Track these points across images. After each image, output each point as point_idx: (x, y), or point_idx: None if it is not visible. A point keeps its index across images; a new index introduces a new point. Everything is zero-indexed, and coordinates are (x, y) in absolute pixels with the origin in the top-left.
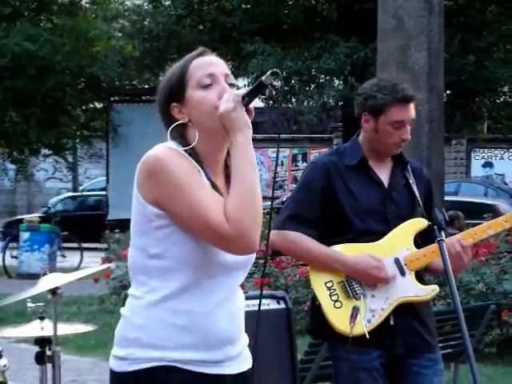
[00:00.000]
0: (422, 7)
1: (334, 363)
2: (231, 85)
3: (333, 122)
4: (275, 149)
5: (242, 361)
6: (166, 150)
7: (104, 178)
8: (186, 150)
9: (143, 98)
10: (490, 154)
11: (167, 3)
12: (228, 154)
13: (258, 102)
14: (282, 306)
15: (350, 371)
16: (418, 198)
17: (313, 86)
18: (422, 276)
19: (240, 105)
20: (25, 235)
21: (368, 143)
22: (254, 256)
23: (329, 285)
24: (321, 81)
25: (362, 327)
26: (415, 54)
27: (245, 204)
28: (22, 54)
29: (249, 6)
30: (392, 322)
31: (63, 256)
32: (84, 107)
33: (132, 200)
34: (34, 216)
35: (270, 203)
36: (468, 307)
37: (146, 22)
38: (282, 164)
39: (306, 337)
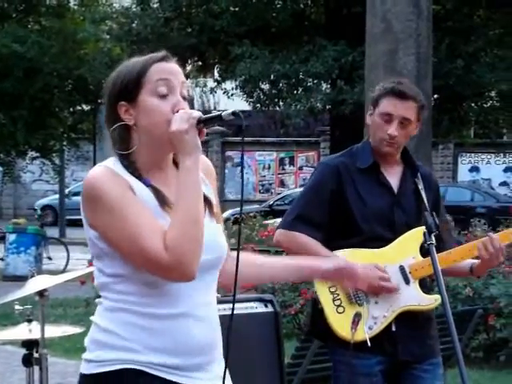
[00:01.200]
0: (410, 11)
1: (333, 366)
2: (184, 97)
3: (320, 125)
4: (262, 152)
5: (213, 368)
6: (98, 173)
7: None
8: (123, 160)
9: None
10: (476, 158)
11: (155, 6)
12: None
13: (245, 105)
14: (270, 309)
15: (349, 376)
16: (427, 205)
17: (300, 89)
18: (425, 284)
19: (193, 128)
20: (11, 237)
21: (372, 143)
22: (223, 255)
23: (332, 289)
24: (308, 84)
25: (364, 334)
26: (403, 57)
27: (185, 232)
28: (10, 55)
29: (237, 9)
30: (394, 329)
31: (49, 258)
32: (71, 109)
33: None
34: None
35: (257, 206)
36: (455, 312)
37: (134, 25)
38: (269, 167)
39: (292, 340)
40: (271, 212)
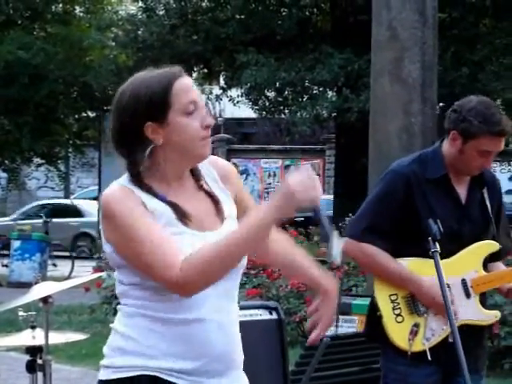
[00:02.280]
0: (416, 19)
1: (384, 374)
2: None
3: (326, 133)
4: (268, 159)
5: (234, 376)
6: (115, 192)
7: (96, 187)
8: (134, 177)
9: None
10: None
11: (161, 13)
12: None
13: (251, 113)
14: (275, 316)
15: (399, 383)
16: (492, 218)
17: (306, 97)
18: (484, 300)
19: (313, 203)
20: (16, 244)
21: (450, 159)
22: (244, 263)
23: (393, 298)
24: (314, 92)
25: (421, 345)
26: (409, 65)
27: (210, 268)
28: (15, 62)
29: (243, 17)
30: (451, 340)
31: (54, 265)
32: (77, 116)
33: None
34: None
35: None
36: None
37: (139, 32)
38: (275, 175)
39: (296, 348)
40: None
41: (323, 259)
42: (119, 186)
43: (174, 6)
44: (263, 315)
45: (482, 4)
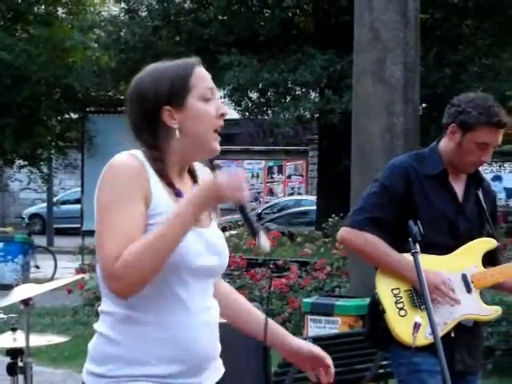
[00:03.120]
0: (398, 20)
1: (395, 370)
2: None
3: (309, 134)
4: (251, 160)
5: (214, 371)
6: (123, 160)
7: (79, 189)
8: (154, 163)
9: (119, 108)
10: None
11: (144, 14)
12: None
13: (234, 114)
14: None
15: (413, 374)
16: (488, 217)
17: (289, 98)
18: (482, 295)
19: (235, 202)
20: None
21: (448, 154)
22: (226, 261)
23: (395, 292)
24: (297, 93)
25: (424, 339)
26: (391, 66)
27: (145, 257)
28: None
29: (225, 18)
30: (453, 335)
31: (37, 267)
32: (59, 118)
33: None
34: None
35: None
36: None
37: (122, 33)
38: (258, 176)
39: None
40: (260, 220)
41: (307, 260)
42: (134, 158)
43: (157, 7)
44: None
45: (464, 5)
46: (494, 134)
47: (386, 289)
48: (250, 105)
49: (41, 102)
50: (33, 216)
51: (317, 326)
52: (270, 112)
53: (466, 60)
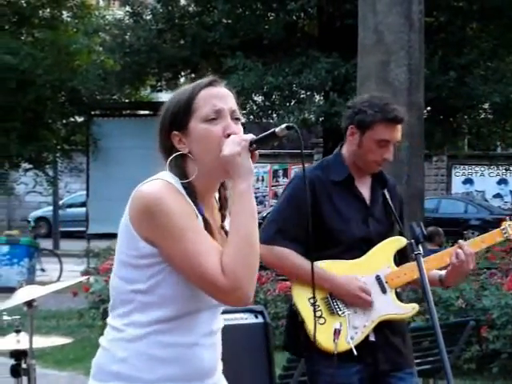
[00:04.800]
0: (402, 23)
1: (310, 377)
2: (237, 119)
3: (313, 137)
4: (256, 164)
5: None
6: (163, 187)
7: (84, 192)
8: (182, 184)
9: (124, 112)
10: (470, 170)
11: (148, 17)
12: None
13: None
14: (260, 320)
15: None
16: (396, 216)
17: (293, 101)
18: (399, 294)
19: (246, 150)
20: (4, 249)
21: (351, 157)
22: None
23: (312, 301)
24: (301, 96)
25: (346, 344)
26: (395, 69)
27: (242, 256)
28: (3, 67)
29: (230, 21)
30: (373, 338)
31: (42, 270)
32: (64, 121)
33: (120, 225)
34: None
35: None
36: (447, 323)
37: (126, 37)
38: (263, 179)
39: (285, 352)
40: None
41: None
42: (167, 184)
43: (161, 10)
44: (249, 319)
45: (469, 8)
46: (392, 130)
47: (303, 299)
48: (254, 108)
49: (46, 106)
50: (38, 219)
51: None
52: (274, 115)
53: (470, 63)
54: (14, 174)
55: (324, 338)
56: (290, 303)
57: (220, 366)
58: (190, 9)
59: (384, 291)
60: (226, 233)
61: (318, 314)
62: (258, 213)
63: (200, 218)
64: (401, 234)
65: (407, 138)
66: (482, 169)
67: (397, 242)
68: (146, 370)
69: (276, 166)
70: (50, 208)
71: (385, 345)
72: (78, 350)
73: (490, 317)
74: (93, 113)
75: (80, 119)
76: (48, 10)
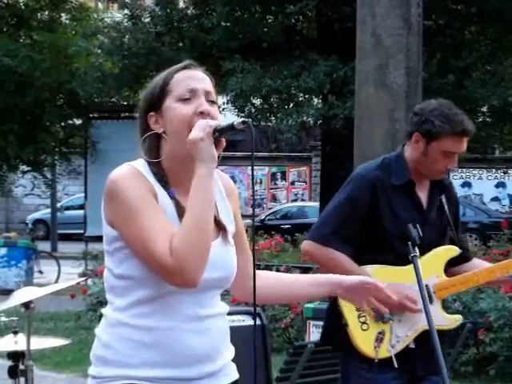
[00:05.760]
0: (400, 26)
1: (344, 377)
2: (212, 102)
3: (312, 140)
4: (254, 167)
5: (221, 376)
6: (123, 172)
7: (82, 195)
8: (152, 167)
9: (122, 114)
10: (468, 173)
11: (147, 20)
12: None
13: (237, 120)
14: (258, 322)
15: None
16: (451, 223)
17: (292, 104)
18: (444, 303)
19: (210, 136)
20: (2, 251)
21: (413, 162)
22: (231, 276)
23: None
24: (300, 99)
25: (386, 352)
26: (394, 72)
27: (191, 240)
28: (1, 69)
29: (228, 24)
30: (413, 346)
31: (40, 272)
32: (63, 123)
33: None
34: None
35: (248, 221)
36: None
37: (125, 39)
38: (261, 182)
39: (282, 354)
40: (263, 227)
41: (309, 266)
42: (130, 167)
43: (160, 13)
44: (246, 321)
45: (467, 11)
46: (459, 143)
47: (349, 304)
48: (253, 111)
49: (44, 108)
50: (36, 222)
51: (319, 332)
52: (273, 118)
53: (469, 66)
54: (12, 177)
55: (365, 344)
56: (332, 301)
57: (227, 353)
58: (189, 11)
59: (431, 301)
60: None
61: (362, 319)
62: (256, 216)
63: (169, 201)
64: (452, 241)
65: (405, 141)
66: (480, 172)
67: (450, 251)
68: (129, 354)
69: (274, 169)
70: (48, 210)
71: (424, 352)
72: (76, 353)
73: (487, 319)
74: (91, 115)
75: (78, 122)
76: (46, 12)
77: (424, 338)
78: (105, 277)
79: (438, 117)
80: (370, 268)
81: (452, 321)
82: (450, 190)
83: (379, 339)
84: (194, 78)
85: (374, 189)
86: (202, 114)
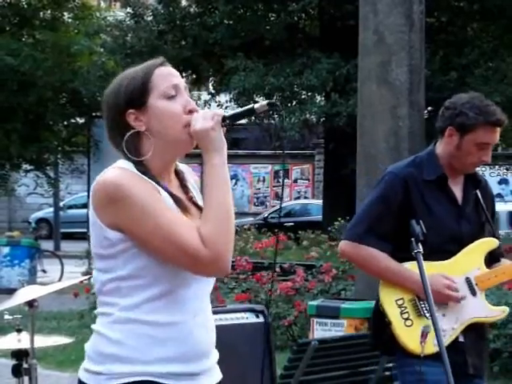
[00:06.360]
0: (402, 23)
1: (401, 377)
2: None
3: (315, 138)
4: (257, 164)
5: (213, 374)
6: (122, 174)
7: (85, 194)
8: (138, 165)
9: None
10: None
11: (149, 18)
12: None
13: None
14: (261, 319)
15: (419, 383)
16: (488, 217)
17: (295, 102)
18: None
19: (219, 125)
20: (5, 250)
21: (446, 157)
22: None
23: (399, 302)
24: (303, 97)
25: (433, 347)
26: (396, 69)
27: (221, 227)
28: (4, 68)
29: (231, 22)
30: (462, 339)
31: (44, 271)
32: (65, 122)
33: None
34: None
35: (251, 219)
36: None
37: (127, 38)
38: (264, 180)
39: (286, 352)
40: (266, 225)
41: (313, 263)
42: (124, 170)
43: (162, 11)
44: (250, 318)
45: (469, 8)
46: (493, 133)
47: (390, 300)
48: None
49: (47, 107)
50: (40, 221)
51: (323, 329)
52: (276, 116)
53: (471, 63)
54: (14, 176)
55: (411, 341)
56: (377, 301)
57: (215, 351)
58: (191, 10)
59: (474, 293)
60: (196, 204)
61: (405, 316)
62: (259, 214)
63: (166, 194)
64: (492, 235)
65: (408, 138)
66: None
67: (489, 243)
68: (143, 350)
69: (277, 167)
70: (51, 209)
71: (472, 348)
72: (80, 351)
73: None
74: (94, 114)
75: (81, 120)
76: (49, 11)
77: (472, 334)
78: (100, 282)
79: (472, 109)
80: (408, 264)
81: (499, 312)
82: (485, 186)
83: (425, 334)
84: (173, 74)
85: (406, 185)
86: (191, 113)
